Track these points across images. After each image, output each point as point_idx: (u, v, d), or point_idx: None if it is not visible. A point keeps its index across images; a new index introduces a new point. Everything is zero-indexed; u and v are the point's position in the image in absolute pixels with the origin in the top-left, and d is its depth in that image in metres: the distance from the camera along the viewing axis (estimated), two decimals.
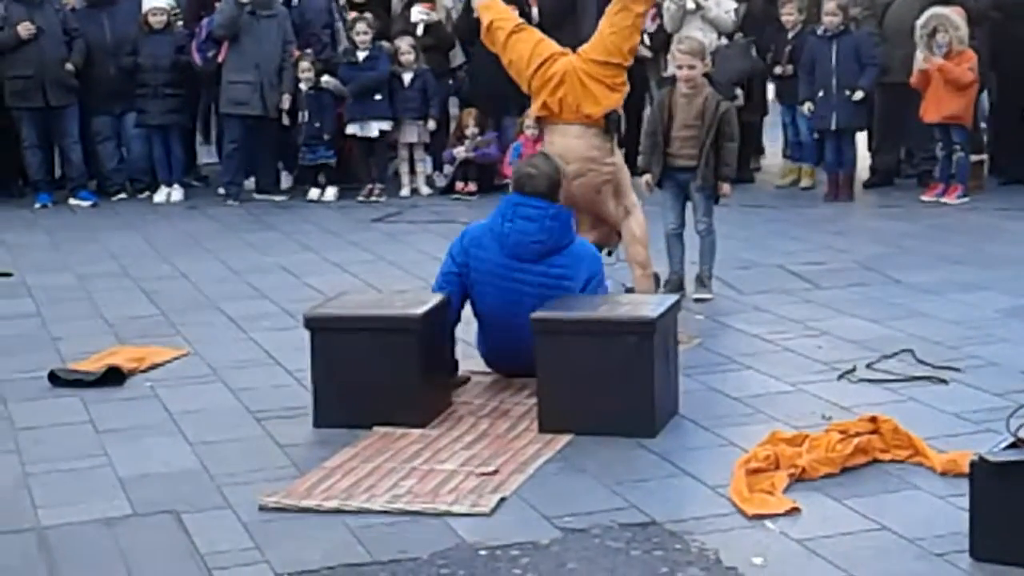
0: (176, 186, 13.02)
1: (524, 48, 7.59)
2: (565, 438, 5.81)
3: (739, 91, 12.05)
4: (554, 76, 7.49)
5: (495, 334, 6.54)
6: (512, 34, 7.65)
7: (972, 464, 4.52)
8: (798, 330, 7.59)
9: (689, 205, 8.50)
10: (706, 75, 8.45)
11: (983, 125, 12.82)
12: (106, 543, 4.90)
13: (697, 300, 8.27)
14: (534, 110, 7.72)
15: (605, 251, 7.95)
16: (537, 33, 7.88)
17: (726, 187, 8.35)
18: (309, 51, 12.73)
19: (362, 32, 12.54)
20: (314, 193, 12.72)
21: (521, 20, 7.93)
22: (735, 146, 8.35)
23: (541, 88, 7.54)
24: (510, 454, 5.67)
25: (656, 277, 8.12)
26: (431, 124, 12.65)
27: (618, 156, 7.80)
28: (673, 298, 6.36)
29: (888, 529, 4.78)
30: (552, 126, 7.61)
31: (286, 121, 12.71)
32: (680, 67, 8.29)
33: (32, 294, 9.11)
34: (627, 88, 7.73)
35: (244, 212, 12.26)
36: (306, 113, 12.57)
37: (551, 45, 7.69)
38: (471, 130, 12.59)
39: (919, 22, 11.52)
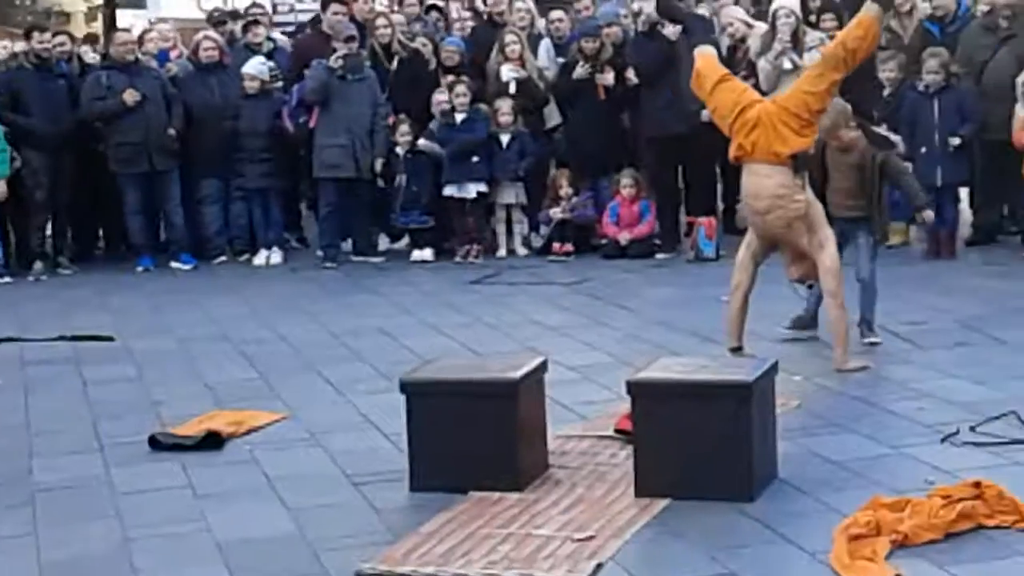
0: (275, 249, 13.16)
1: (729, 97, 8.11)
2: (662, 502, 5.76)
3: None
4: (750, 120, 7.97)
5: None
6: (718, 83, 8.19)
7: None
8: (899, 392, 7.48)
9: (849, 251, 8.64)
10: (859, 126, 8.74)
11: None
12: None
13: (871, 343, 8.43)
14: (732, 151, 8.14)
15: (807, 284, 8.42)
16: (741, 84, 8.46)
17: (928, 213, 9.17)
18: (404, 116, 12.84)
19: (461, 94, 12.63)
20: (416, 254, 12.78)
21: (726, 71, 8.50)
22: (910, 177, 8.99)
23: (739, 130, 8.03)
24: (607, 519, 5.63)
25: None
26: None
27: (809, 193, 8.13)
28: (771, 361, 6.29)
29: None
30: (746, 166, 8.10)
31: (381, 183, 12.82)
32: (829, 141, 8.60)
33: (134, 358, 9.23)
34: (815, 135, 8.17)
35: (342, 275, 12.34)
36: (403, 177, 12.67)
37: (752, 94, 8.27)
38: (565, 191, 12.62)
39: (1019, 79, 11.39)
